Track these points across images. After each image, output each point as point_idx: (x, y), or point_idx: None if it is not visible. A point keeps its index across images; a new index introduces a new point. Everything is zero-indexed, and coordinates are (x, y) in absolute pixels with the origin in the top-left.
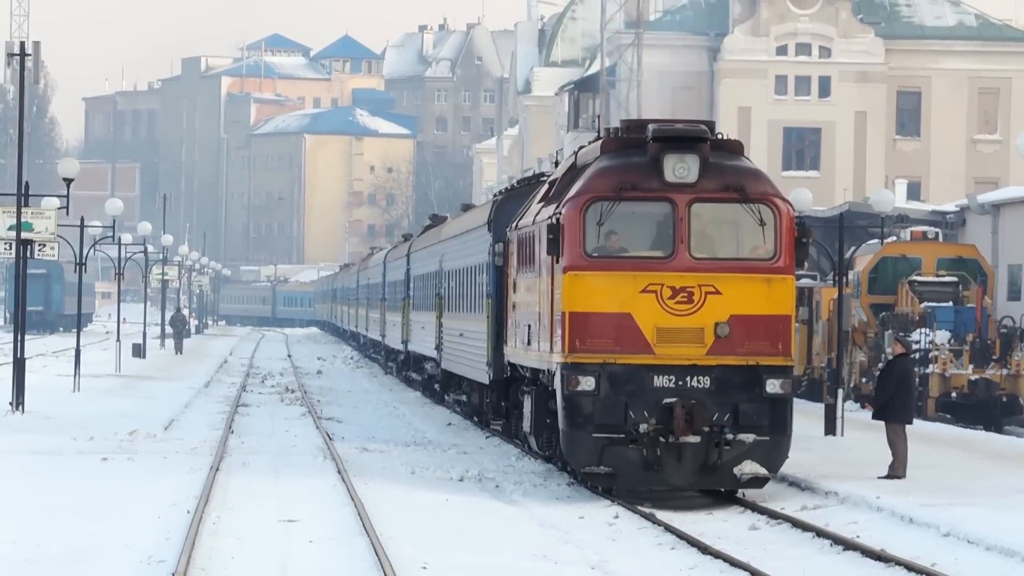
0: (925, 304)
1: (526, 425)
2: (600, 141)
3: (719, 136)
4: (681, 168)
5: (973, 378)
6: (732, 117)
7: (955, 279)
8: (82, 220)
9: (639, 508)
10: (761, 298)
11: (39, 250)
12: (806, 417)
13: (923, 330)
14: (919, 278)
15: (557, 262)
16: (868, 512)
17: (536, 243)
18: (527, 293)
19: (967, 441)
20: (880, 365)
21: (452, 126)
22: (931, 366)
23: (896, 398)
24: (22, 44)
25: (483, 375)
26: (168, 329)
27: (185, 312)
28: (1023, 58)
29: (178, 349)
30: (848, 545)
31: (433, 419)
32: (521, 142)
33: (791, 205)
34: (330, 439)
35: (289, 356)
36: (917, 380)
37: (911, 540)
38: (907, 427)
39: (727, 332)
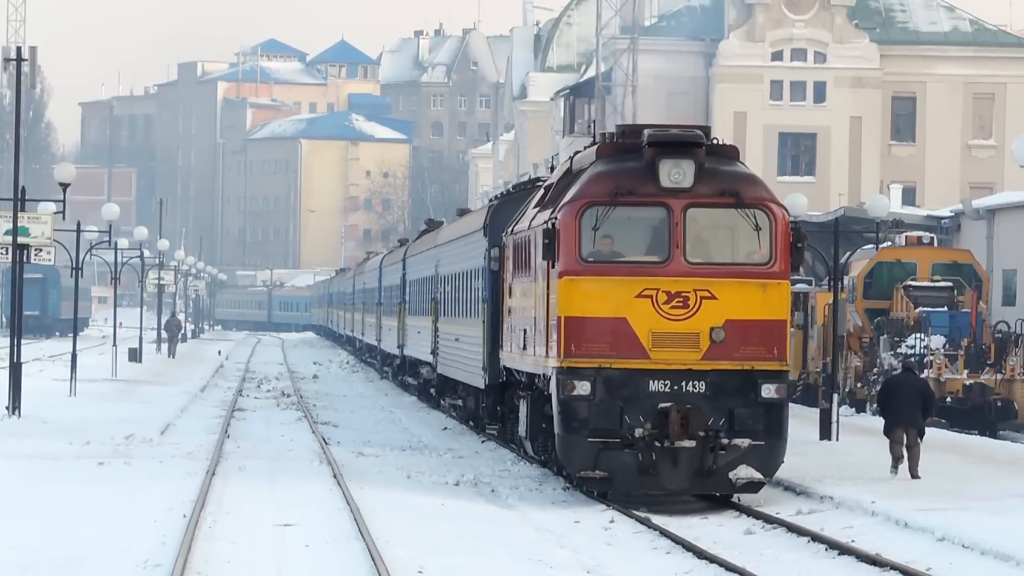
0: (920, 309)
1: (522, 430)
2: (596, 146)
3: (714, 141)
4: (677, 173)
5: (968, 383)
6: (728, 122)
7: (950, 284)
8: (78, 225)
9: (634, 512)
10: (756, 303)
11: (35, 255)
12: (801, 422)
13: (918, 335)
14: (914, 283)
15: (553, 267)
16: (863, 517)
17: (532, 248)
18: (523, 298)
19: (962, 446)
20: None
21: (448, 131)
22: (926, 371)
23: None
24: (19, 49)
25: (479, 380)
26: (163, 334)
27: (181, 317)
28: (1018, 63)
29: (172, 353)
30: (843, 550)
31: (429, 423)
32: (517, 147)
33: (786, 210)
34: (326, 443)
35: (285, 360)
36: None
37: (906, 545)
38: (916, 435)
39: (722, 337)
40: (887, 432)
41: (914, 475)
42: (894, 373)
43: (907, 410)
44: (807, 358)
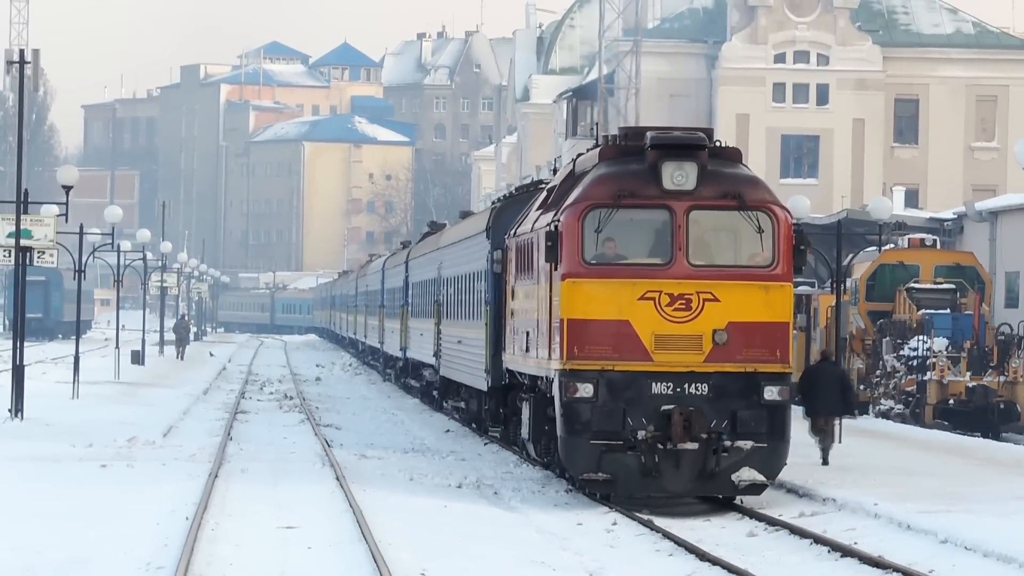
0: (923, 311)
1: (524, 432)
2: (598, 148)
3: (717, 143)
4: (679, 175)
5: (971, 385)
6: (730, 124)
7: (953, 286)
8: (81, 227)
9: (637, 515)
10: (759, 305)
11: (38, 257)
12: (804, 424)
13: (921, 337)
14: (917, 285)
15: (555, 269)
16: (866, 519)
17: (534, 250)
18: (525, 300)
19: (965, 448)
20: None
21: (451, 133)
22: (929, 373)
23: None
24: (22, 52)
25: (481, 382)
26: (171, 336)
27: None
28: (1020, 65)
29: (180, 355)
30: (846, 552)
31: (431, 426)
32: (519, 149)
33: (789, 212)
34: (328, 446)
35: (288, 363)
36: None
37: (909, 547)
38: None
39: (725, 339)
40: (808, 418)
41: (825, 462)
42: (815, 363)
43: (829, 399)
44: (810, 360)
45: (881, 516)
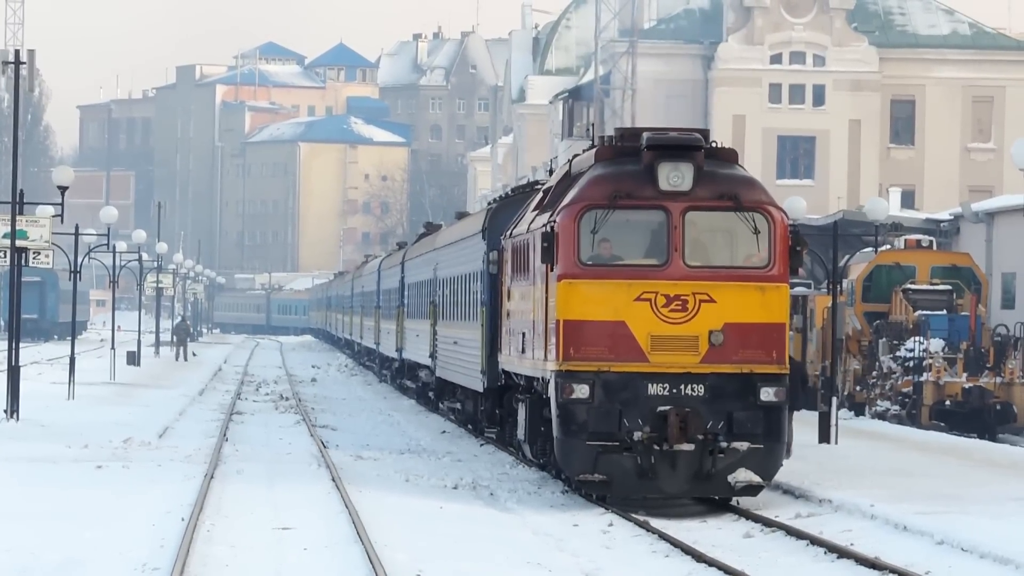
0: (919, 312)
1: (520, 433)
2: (594, 149)
3: (713, 144)
4: (675, 176)
5: (967, 386)
6: (726, 125)
7: (949, 287)
8: (77, 228)
9: (633, 516)
10: (755, 306)
11: (34, 258)
12: (800, 425)
13: (917, 338)
14: (913, 286)
15: (551, 270)
16: (862, 520)
17: (530, 251)
18: (521, 301)
19: (961, 449)
20: None
21: (446, 134)
22: (925, 374)
23: None
24: (17, 52)
25: (477, 383)
26: (173, 337)
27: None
28: (1017, 66)
29: (179, 356)
30: (842, 553)
31: (427, 427)
32: (515, 150)
33: (785, 213)
34: (324, 447)
35: (283, 364)
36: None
37: (905, 548)
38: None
39: (721, 340)
40: None
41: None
42: None
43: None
44: (806, 361)
45: (877, 517)
